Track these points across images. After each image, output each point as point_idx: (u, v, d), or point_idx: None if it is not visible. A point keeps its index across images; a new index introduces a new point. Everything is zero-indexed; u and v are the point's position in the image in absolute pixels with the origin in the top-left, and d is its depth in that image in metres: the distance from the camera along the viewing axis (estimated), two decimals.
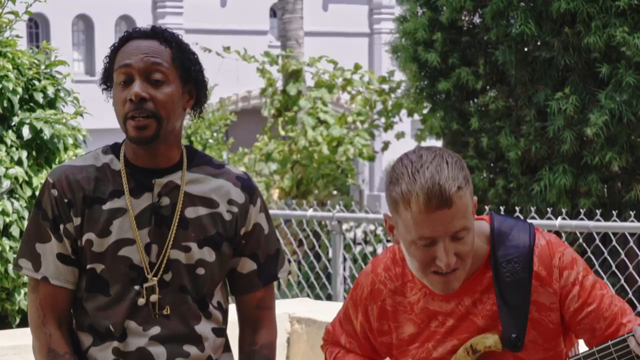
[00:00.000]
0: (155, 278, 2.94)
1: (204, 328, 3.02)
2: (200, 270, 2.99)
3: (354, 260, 10.59)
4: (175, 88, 2.95)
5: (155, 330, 2.95)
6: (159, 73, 2.92)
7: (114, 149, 3.04)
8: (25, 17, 6.17)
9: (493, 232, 2.79)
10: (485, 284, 2.77)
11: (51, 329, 2.97)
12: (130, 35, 3.00)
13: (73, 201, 2.96)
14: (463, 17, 12.13)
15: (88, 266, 2.97)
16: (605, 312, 2.74)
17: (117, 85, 2.94)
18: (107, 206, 2.96)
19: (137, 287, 2.94)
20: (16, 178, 5.36)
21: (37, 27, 29.15)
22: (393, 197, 2.66)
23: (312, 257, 9.71)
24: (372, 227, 12.19)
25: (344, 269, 8.88)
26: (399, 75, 14.22)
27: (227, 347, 3.13)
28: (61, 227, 2.97)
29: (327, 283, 8.89)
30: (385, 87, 16.67)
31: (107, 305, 2.96)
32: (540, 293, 2.75)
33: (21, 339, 4.57)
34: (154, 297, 2.93)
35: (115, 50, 2.99)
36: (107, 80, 3.02)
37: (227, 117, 20.26)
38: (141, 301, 2.93)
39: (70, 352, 2.98)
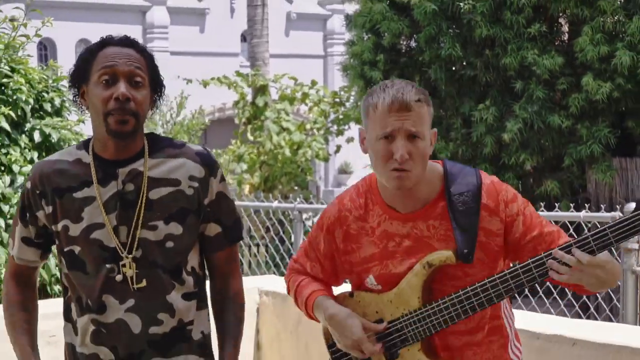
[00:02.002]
0: (130, 255, 2.81)
1: (174, 296, 2.87)
2: (170, 244, 2.84)
3: None
4: (148, 92, 2.84)
5: (131, 302, 2.82)
6: (140, 77, 2.79)
7: (85, 144, 2.92)
8: (36, 39, 6.10)
9: (446, 172, 2.83)
10: (439, 212, 2.78)
11: (10, 288, 2.97)
12: (107, 41, 2.85)
13: (45, 192, 2.86)
14: (401, 42, 12.13)
15: (66, 249, 2.86)
16: (546, 237, 2.75)
17: (99, 83, 2.77)
18: (78, 195, 2.83)
19: (108, 266, 2.81)
20: (28, 175, 5.32)
21: (46, 50, 28.90)
22: (366, 105, 2.77)
23: (277, 241, 9.67)
24: None
25: None
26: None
27: (200, 306, 2.97)
28: (28, 214, 2.90)
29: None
30: (337, 99, 16.70)
31: (85, 282, 2.85)
32: (488, 221, 2.76)
33: None
34: (130, 272, 2.81)
35: (93, 53, 2.83)
36: (78, 78, 2.86)
37: (202, 123, 20.23)
38: (119, 277, 2.81)
39: (21, 301, 2.98)
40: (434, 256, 2.75)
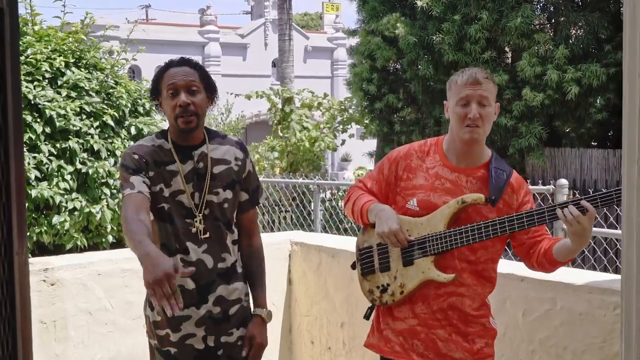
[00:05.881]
0: (200, 214, 2.85)
1: (229, 241, 2.93)
2: (225, 205, 2.90)
3: (326, 210, 10.57)
4: (203, 95, 2.87)
5: (204, 246, 2.86)
6: (194, 86, 2.84)
7: (163, 134, 2.91)
8: (132, 62, 6.13)
9: (493, 155, 2.83)
10: (479, 176, 2.78)
11: (144, 217, 2.70)
12: (169, 63, 2.91)
13: (148, 162, 2.84)
14: (390, 65, 12.11)
15: (158, 205, 2.84)
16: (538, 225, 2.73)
17: (167, 96, 2.84)
18: (168, 168, 2.85)
19: (188, 220, 2.83)
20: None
21: (134, 73, 28.80)
22: (450, 83, 2.78)
23: (301, 207, 9.66)
24: (335, 190, 12.16)
25: (320, 215, 8.84)
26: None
27: (238, 250, 3.02)
28: (142, 173, 2.82)
29: (310, 223, 8.84)
30: (342, 107, 16.74)
31: (172, 231, 2.85)
32: (509, 195, 2.77)
33: None
34: (200, 227, 2.85)
35: (161, 74, 2.89)
36: (155, 93, 2.91)
37: (243, 124, 20.38)
38: (193, 229, 2.84)
39: (142, 220, 2.67)
40: (469, 196, 2.71)
